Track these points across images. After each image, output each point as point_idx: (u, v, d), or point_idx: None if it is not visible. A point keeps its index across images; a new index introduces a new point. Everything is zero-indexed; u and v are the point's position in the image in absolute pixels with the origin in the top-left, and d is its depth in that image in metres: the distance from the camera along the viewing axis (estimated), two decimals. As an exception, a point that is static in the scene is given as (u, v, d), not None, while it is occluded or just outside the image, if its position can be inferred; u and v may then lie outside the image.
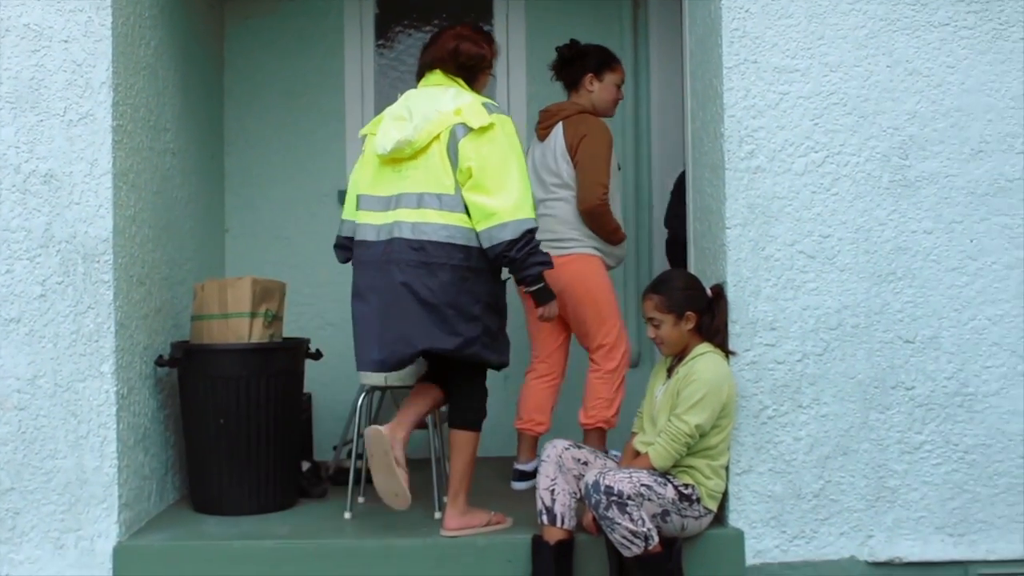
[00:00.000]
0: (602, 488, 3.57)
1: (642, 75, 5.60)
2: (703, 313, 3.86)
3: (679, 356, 3.90)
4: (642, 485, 3.61)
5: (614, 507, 3.55)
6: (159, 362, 4.28)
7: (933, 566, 3.97)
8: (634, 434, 4.01)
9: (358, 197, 3.96)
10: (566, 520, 3.79)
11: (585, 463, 3.86)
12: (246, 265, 5.46)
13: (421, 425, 4.03)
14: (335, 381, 5.44)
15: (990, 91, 3.99)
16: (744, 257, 3.94)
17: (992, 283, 3.97)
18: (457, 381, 3.97)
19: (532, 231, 3.71)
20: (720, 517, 3.96)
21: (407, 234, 3.73)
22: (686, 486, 3.73)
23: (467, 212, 3.73)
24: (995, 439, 3.97)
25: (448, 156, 3.74)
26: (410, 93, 3.94)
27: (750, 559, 3.93)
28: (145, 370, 4.21)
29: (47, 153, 3.90)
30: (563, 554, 3.76)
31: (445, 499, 4.37)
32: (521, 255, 3.70)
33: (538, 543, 3.78)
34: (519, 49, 5.68)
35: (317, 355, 4.71)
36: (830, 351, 3.95)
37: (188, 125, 4.91)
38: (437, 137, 3.75)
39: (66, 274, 3.89)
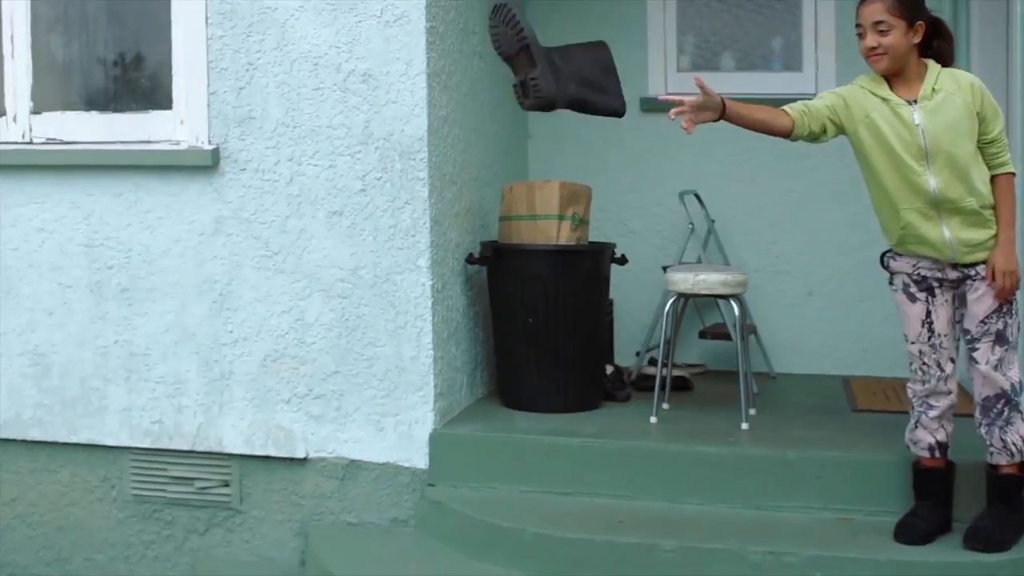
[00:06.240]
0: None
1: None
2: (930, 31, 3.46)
3: (897, 74, 3.44)
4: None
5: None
6: (470, 260, 4.35)
7: None
8: (785, 113, 3.47)
9: None
10: (947, 451, 3.54)
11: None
12: (548, 171, 5.44)
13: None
14: (636, 289, 5.38)
15: None
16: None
17: None
18: None
19: None
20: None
21: None
22: None
23: None
24: None
25: None
26: None
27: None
28: (456, 267, 4.28)
29: (365, 53, 3.99)
30: (944, 479, 3.56)
31: (752, 411, 4.26)
32: None
33: (919, 467, 3.56)
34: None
35: (622, 260, 4.67)
36: None
37: (495, 29, 4.91)
38: None
39: (384, 170, 3.99)
